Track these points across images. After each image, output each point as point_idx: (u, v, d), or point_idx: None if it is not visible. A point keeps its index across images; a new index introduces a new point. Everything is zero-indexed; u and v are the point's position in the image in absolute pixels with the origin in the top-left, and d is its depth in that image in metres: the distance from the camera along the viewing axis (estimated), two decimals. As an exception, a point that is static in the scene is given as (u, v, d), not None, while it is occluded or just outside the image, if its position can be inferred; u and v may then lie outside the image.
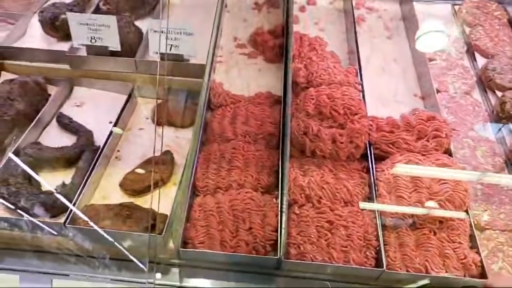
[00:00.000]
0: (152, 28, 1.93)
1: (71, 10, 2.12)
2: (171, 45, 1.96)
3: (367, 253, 1.45)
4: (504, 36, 2.14)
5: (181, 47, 1.95)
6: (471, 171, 1.69)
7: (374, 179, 1.59)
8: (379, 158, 1.67)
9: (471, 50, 2.15)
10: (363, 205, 1.53)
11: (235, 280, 1.45)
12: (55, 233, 1.48)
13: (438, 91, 1.98)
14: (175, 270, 1.47)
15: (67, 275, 1.38)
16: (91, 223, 1.46)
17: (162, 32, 1.93)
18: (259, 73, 2.09)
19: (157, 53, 1.97)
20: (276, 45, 2.11)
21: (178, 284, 1.40)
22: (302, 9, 2.40)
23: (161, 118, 1.93)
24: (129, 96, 1.96)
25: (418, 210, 1.48)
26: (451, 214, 1.45)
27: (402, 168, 1.53)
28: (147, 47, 2.01)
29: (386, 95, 2.00)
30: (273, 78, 2.04)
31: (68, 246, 1.48)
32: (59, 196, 1.54)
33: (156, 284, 1.34)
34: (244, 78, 2.06)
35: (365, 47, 2.21)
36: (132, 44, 2.07)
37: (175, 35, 1.92)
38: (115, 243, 1.40)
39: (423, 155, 1.60)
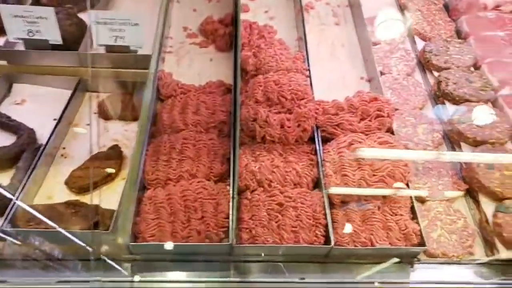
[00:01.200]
0: (95, 19, 1.87)
1: (5, 2, 2.00)
2: (116, 36, 1.91)
3: (317, 231, 1.50)
4: (440, 20, 2.26)
5: (127, 38, 1.89)
6: (413, 147, 1.79)
7: (321, 160, 1.65)
8: (327, 140, 1.73)
9: (411, 34, 2.25)
10: (334, 189, 1.57)
11: (188, 270, 1.45)
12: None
13: (382, 74, 2.06)
14: (127, 265, 1.46)
15: (4, 281, 1.31)
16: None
17: (106, 23, 1.88)
18: (210, 63, 2.08)
19: (102, 45, 1.92)
20: (227, 33, 2.11)
21: (129, 279, 1.38)
22: (251, -3, 2.41)
23: (109, 112, 1.89)
24: (74, 91, 1.89)
25: (387, 191, 1.53)
26: (393, 189, 1.53)
27: (346, 148, 1.59)
28: (91, 40, 1.94)
29: (335, 80, 2.06)
30: (225, 66, 2.04)
31: (8, 251, 1.42)
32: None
33: (105, 281, 1.32)
34: (195, 67, 2.05)
35: (314, 33, 2.26)
36: (75, 37, 1.99)
37: (120, 26, 1.87)
38: (57, 242, 1.37)
39: (366, 134, 1.67)
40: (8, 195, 1.47)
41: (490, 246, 1.57)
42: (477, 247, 1.59)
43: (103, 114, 1.88)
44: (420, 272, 1.52)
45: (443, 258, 1.52)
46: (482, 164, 1.69)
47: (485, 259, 1.56)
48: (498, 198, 1.64)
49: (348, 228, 1.51)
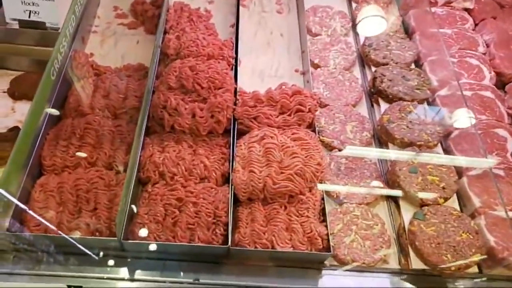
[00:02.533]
0: (7, -9, 1.71)
1: None
2: (30, 11, 1.75)
3: (216, 230, 1.37)
4: (387, 13, 2.12)
5: (42, 14, 1.74)
6: (338, 146, 1.66)
7: (233, 154, 1.52)
8: (244, 133, 1.59)
9: (356, 26, 2.12)
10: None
11: (74, 264, 1.33)
12: None
13: (318, 66, 1.92)
14: (8, 256, 1.33)
15: None
16: None
17: (18, -5, 1.72)
18: (136, 45, 1.93)
19: (14, 19, 1.77)
20: (156, 15, 1.95)
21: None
22: (192, -21, 2.24)
23: (19, 91, 1.73)
24: (-17, 66, 1.74)
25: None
26: (301, 189, 1.41)
27: (257, 143, 1.46)
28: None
29: (268, 70, 1.92)
30: (151, 50, 1.86)
31: None
32: None
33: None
34: (120, 49, 1.90)
35: (253, 20, 2.11)
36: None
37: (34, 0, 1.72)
38: None
39: (283, 129, 1.54)
40: None
41: (404, 255, 1.46)
42: (392, 255, 1.47)
43: (13, 94, 1.72)
44: (328, 279, 1.40)
45: (353, 265, 1.41)
46: (405, 167, 1.57)
47: (397, 268, 1.46)
48: (418, 204, 1.53)
49: (250, 227, 1.39)
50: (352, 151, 1.61)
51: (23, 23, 1.74)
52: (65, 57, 1.67)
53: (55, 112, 1.59)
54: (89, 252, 1.33)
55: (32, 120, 1.42)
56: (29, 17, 1.73)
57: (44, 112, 1.50)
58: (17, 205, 1.33)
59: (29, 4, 1.71)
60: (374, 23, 2.04)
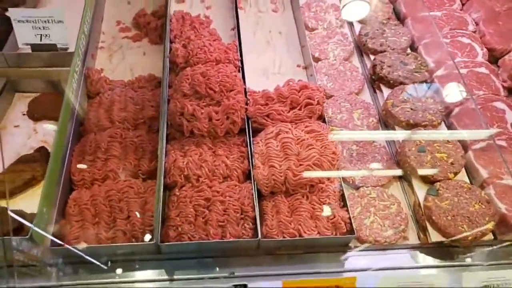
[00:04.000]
0: (16, 17, 1.71)
1: None
2: (41, 34, 1.76)
3: (245, 224, 1.41)
4: (377, 1, 2.14)
5: (53, 36, 1.75)
6: (346, 132, 1.70)
7: (251, 151, 1.55)
8: (258, 131, 1.62)
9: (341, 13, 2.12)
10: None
11: (115, 271, 1.36)
12: None
13: (319, 60, 1.95)
14: (51, 270, 1.35)
15: None
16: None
17: (29, 21, 1.72)
18: (143, 57, 1.94)
19: (27, 44, 1.77)
20: (159, 26, 1.97)
21: (49, 284, 1.28)
22: (188, -13, 2.25)
23: (38, 112, 1.74)
24: (1, 92, 1.74)
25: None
26: (321, 178, 1.45)
27: (273, 139, 1.49)
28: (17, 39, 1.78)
29: (271, 68, 1.95)
30: (158, 60, 1.89)
31: None
32: None
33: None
34: (128, 62, 1.91)
35: (251, 21, 2.13)
36: (0, 37, 1.83)
37: (44, 23, 1.72)
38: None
39: (296, 123, 1.57)
40: None
41: (422, 230, 1.50)
42: (410, 232, 1.52)
43: (33, 115, 1.74)
44: (353, 260, 1.44)
45: (376, 244, 1.46)
46: (414, 148, 1.61)
47: (417, 243, 1.50)
48: (429, 181, 1.57)
49: (276, 219, 1.42)
50: (363, 135, 1.64)
51: (35, 47, 1.75)
52: (80, 75, 1.68)
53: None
54: (127, 258, 1.37)
55: (60, 139, 1.45)
56: (41, 40, 1.74)
57: (68, 131, 1.53)
58: (56, 221, 1.36)
59: (40, 28, 1.71)
60: (358, 7, 2.05)
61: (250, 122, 1.63)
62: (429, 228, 1.47)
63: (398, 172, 1.62)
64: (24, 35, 1.75)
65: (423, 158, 1.58)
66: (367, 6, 1.94)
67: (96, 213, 1.40)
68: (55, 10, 1.73)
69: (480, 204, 1.46)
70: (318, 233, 1.39)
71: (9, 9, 1.73)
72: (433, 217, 1.45)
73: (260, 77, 1.89)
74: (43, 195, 1.35)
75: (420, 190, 1.56)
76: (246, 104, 1.64)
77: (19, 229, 1.36)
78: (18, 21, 1.72)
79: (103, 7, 2.08)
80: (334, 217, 1.41)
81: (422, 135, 1.63)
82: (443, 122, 1.73)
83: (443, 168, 1.55)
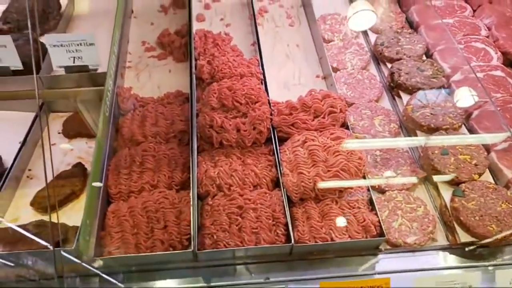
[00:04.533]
0: (51, 42, 1.80)
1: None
2: (74, 57, 1.85)
3: (277, 230, 1.44)
4: (390, 12, 2.21)
5: (85, 58, 1.83)
6: (371, 139, 1.74)
7: (279, 160, 1.59)
8: (284, 140, 1.67)
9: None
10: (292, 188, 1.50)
11: (155, 280, 1.40)
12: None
13: (337, 70, 2.01)
14: (95, 280, 1.40)
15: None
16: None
17: (62, 45, 1.81)
18: (169, 74, 2.02)
19: (61, 66, 1.86)
20: (183, 44, 2.05)
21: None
22: (207, 6, 2.34)
23: (72, 130, 1.82)
24: (38, 113, 1.83)
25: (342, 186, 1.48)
26: (348, 182, 1.48)
27: (300, 147, 1.54)
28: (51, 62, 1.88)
29: (291, 80, 2.01)
30: (183, 76, 1.97)
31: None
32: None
33: (70, 298, 1.27)
34: (155, 80, 1.99)
35: (269, 36, 2.21)
36: (36, 61, 1.93)
37: (76, 46, 1.81)
38: (23, 264, 1.31)
39: (320, 131, 1.62)
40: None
41: (450, 231, 1.52)
42: (438, 233, 1.54)
43: (68, 133, 1.82)
44: (384, 262, 1.46)
45: (406, 246, 1.48)
46: (437, 151, 1.64)
47: (446, 244, 1.51)
48: (454, 183, 1.59)
49: (307, 225, 1.45)
50: (387, 143, 1.67)
51: (68, 69, 1.83)
52: (112, 94, 1.76)
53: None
54: (165, 267, 1.41)
55: (98, 155, 1.51)
56: (74, 62, 1.83)
57: (104, 146, 1.60)
58: (98, 233, 1.42)
59: (73, 51, 1.80)
60: (380, 22, 2.13)
61: (275, 132, 1.68)
62: (458, 228, 1.48)
63: (423, 175, 1.64)
64: (58, 58, 1.84)
65: (447, 161, 1.61)
66: (373, 15, 2.00)
67: (135, 224, 1.45)
68: (87, 35, 1.82)
69: (507, 203, 1.48)
70: (349, 236, 1.42)
71: (45, 35, 1.83)
72: (461, 218, 1.46)
73: (282, 89, 1.95)
74: (86, 208, 1.41)
75: (446, 192, 1.58)
76: (271, 114, 1.70)
77: (63, 241, 1.42)
78: (53, 45, 1.81)
79: (128, 29, 2.17)
80: (364, 220, 1.44)
81: (445, 140, 1.66)
82: (463, 125, 1.77)
83: (468, 170, 1.57)
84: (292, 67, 2.06)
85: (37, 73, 1.88)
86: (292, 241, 1.39)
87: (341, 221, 1.44)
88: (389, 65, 1.97)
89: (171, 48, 2.07)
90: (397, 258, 1.48)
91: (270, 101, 1.76)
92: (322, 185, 1.46)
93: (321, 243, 1.41)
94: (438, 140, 1.64)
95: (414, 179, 1.63)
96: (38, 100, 1.82)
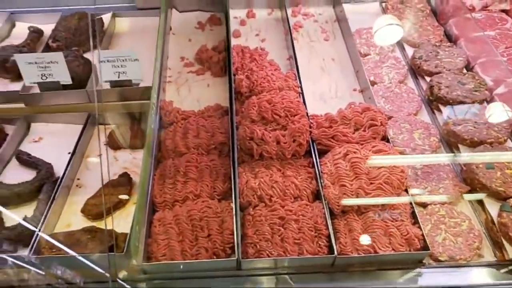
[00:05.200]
0: (99, 59, 1.98)
1: (20, 52, 2.15)
2: (119, 72, 2.01)
3: (319, 242, 1.51)
4: (428, 25, 2.28)
5: (129, 73, 2.00)
6: (411, 153, 1.79)
7: (319, 172, 1.67)
8: (323, 152, 1.75)
9: (400, 42, 2.27)
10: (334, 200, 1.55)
11: (199, 286, 1.49)
12: (22, 264, 1.50)
13: (374, 83, 2.08)
14: (142, 285, 1.50)
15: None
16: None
17: (109, 61, 1.99)
18: (207, 88, 2.15)
19: (107, 81, 2.03)
20: (221, 60, 2.19)
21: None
22: (242, 22, 2.49)
23: (117, 142, 1.97)
24: (85, 125, 2.00)
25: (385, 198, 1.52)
26: (391, 196, 1.53)
27: (341, 159, 1.61)
28: (97, 77, 2.05)
29: (328, 93, 2.10)
30: (221, 91, 2.11)
31: (34, 277, 1.49)
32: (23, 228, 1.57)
33: (122, 300, 1.37)
34: (194, 94, 2.13)
35: (305, 50, 2.32)
36: (82, 76, 2.11)
37: (121, 62, 1.97)
38: (77, 268, 1.43)
39: (361, 144, 1.68)
40: (32, 227, 1.57)
41: (498, 247, 1.53)
42: (485, 249, 1.56)
43: (113, 145, 1.97)
44: (428, 277, 1.49)
45: (451, 261, 1.50)
46: (481, 165, 1.67)
47: (493, 260, 1.53)
48: (501, 198, 1.61)
49: (350, 237, 1.51)
50: (433, 159, 1.72)
51: (113, 83, 2.00)
52: (156, 107, 1.91)
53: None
54: (208, 274, 1.49)
55: (146, 166, 1.64)
56: (118, 77, 1.99)
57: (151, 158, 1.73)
58: (145, 240, 1.53)
59: (118, 66, 1.97)
60: (418, 36, 2.20)
61: (314, 144, 1.76)
62: (506, 245, 1.50)
63: (466, 189, 1.67)
64: (105, 73, 2.02)
65: (493, 175, 1.63)
66: (400, 30, 2.07)
67: (180, 232, 1.55)
68: (131, 51, 1.98)
69: (558, 218, 1.49)
70: (393, 249, 1.47)
71: (93, 52, 2.01)
72: (510, 234, 1.48)
73: (318, 102, 2.04)
74: (135, 215, 1.53)
75: (491, 207, 1.60)
76: (310, 127, 1.78)
77: (111, 248, 1.53)
78: (101, 61, 1.99)
79: (167, 45, 2.34)
80: (408, 233, 1.48)
81: (491, 155, 1.68)
82: (509, 139, 1.79)
83: (515, 184, 1.60)
84: (328, 81, 2.15)
85: (85, 87, 2.08)
86: (335, 253, 1.45)
87: (384, 234, 1.49)
88: (427, 79, 2.03)
89: (209, 63, 2.21)
90: (441, 273, 1.50)
91: (309, 114, 1.85)
92: (364, 197, 1.52)
93: (364, 255, 1.46)
94: (486, 157, 1.67)
95: (457, 193, 1.66)
96: (89, 113, 2.01)
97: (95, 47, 2.33)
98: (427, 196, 1.64)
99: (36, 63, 1.94)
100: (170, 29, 2.47)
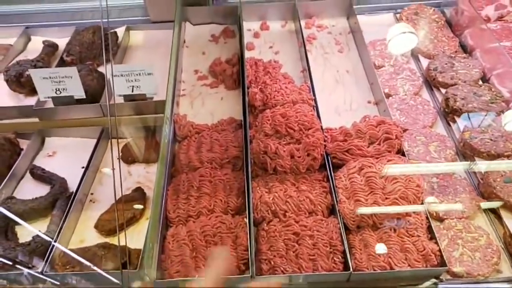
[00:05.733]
0: (113, 73, 2.06)
1: (35, 66, 2.24)
2: (133, 86, 2.09)
3: (335, 258, 1.54)
4: (443, 37, 2.32)
5: (143, 87, 2.07)
6: (429, 164, 1.82)
7: (334, 186, 1.71)
8: (338, 166, 1.79)
9: (415, 54, 2.32)
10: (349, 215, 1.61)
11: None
12: (36, 280, 1.56)
13: (389, 95, 2.12)
14: (155, 302, 1.55)
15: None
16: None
17: (123, 75, 2.07)
18: (221, 101, 2.22)
19: (121, 95, 2.11)
20: (234, 73, 2.25)
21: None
22: (256, 35, 2.56)
23: (130, 156, 2.04)
24: (99, 139, 2.07)
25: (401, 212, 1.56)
26: (407, 209, 1.56)
27: (356, 173, 1.65)
28: (111, 91, 2.14)
29: (342, 105, 2.14)
30: (235, 104, 2.17)
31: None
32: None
33: (136, 317, 1.42)
34: (208, 107, 2.19)
35: (319, 62, 2.37)
36: (96, 90, 2.19)
37: (135, 76, 2.05)
38: (91, 283, 1.49)
39: (376, 158, 1.72)
40: (47, 241, 1.63)
41: (517, 262, 1.55)
42: (503, 264, 1.57)
43: (126, 159, 2.03)
44: (445, 293, 1.52)
45: (468, 277, 1.52)
46: (499, 178, 1.69)
47: (512, 276, 1.54)
48: (519, 211, 1.63)
49: (365, 252, 1.54)
50: (445, 167, 1.76)
51: (127, 97, 2.08)
52: (170, 121, 1.97)
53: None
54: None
55: (159, 181, 1.70)
56: (132, 91, 2.07)
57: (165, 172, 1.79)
58: (159, 256, 1.58)
59: (132, 81, 2.05)
60: (433, 47, 2.24)
61: (329, 158, 1.80)
62: (526, 260, 1.52)
63: (486, 203, 1.69)
64: (119, 87, 2.10)
65: (510, 189, 1.65)
66: (414, 38, 2.11)
67: (193, 248, 1.60)
68: (146, 65, 2.06)
69: None
70: (409, 265, 1.49)
71: (107, 66, 2.09)
72: (529, 249, 1.50)
73: (333, 115, 2.08)
74: (149, 231, 1.58)
75: (510, 221, 1.62)
76: (324, 141, 1.83)
77: (125, 264, 1.59)
78: (115, 75, 2.08)
79: (181, 58, 2.42)
80: (424, 249, 1.51)
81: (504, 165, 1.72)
82: (527, 152, 1.81)
83: (534, 199, 1.61)
84: (343, 93, 2.20)
85: (99, 101, 2.16)
86: (351, 269, 1.48)
87: (400, 249, 1.52)
88: (443, 91, 2.06)
89: (222, 76, 2.28)
90: (459, 289, 1.53)
91: (323, 127, 1.90)
92: (381, 212, 1.55)
93: (380, 271, 1.49)
94: (502, 165, 1.70)
95: (474, 207, 1.68)
96: (109, 126, 2.08)
97: (108, 61, 2.44)
98: (444, 209, 1.67)
99: (50, 77, 2.02)
100: (184, 42, 2.55)
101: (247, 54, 2.39)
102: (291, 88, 2.00)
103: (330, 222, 1.62)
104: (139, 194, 1.84)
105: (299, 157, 1.75)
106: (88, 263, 1.57)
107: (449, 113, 1.98)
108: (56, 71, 2.03)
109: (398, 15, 2.53)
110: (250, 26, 2.61)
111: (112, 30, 2.56)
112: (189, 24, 2.63)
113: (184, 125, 2.00)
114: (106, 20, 1.95)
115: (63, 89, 2.07)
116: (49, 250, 1.59)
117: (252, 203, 1.70)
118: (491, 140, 1.80)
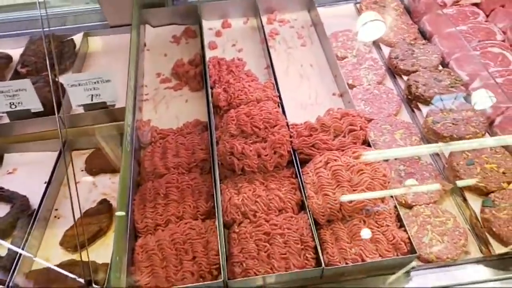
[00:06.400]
0: (69, 82, 1.98)
1: (-10, 80, 2.14)
2: (92, 95, 2.01)
3: (306, 254, 1.53)
4: (402, 24, 2.33)
5: (102, 95, 2.00)
6: (389, 149, 1.83)
7: (302, 182, 1.69)
8: (306, 162, 1.77)
9: (377, 42, 2.32)
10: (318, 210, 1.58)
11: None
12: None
13: (353, 86, 2.12)
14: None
15: None
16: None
17: (80, 84, 1.99)
18: (186, 104, 2.16)
19: (80, 105, 2.03)
20: (197, 73, 2.20)
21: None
22: (218, 34, 2.51)
23: (95, 167, 1.97)
24: (60, 152, 1.98)
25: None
26: (375, 201, 1.57)
27: (323, 168, 1.64)
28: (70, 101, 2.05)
29: (307, 100, 2.13)
30: (200, 105, 2.12)
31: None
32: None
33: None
34: (172, 111, 2.13)
35: (282, 58, 2.34)
36: (56, 101, 2.10)
37: (94, 84, 1.97)
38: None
39: (342, 150, 1.72)
40: (7, 264, 1.54)
41: (484, 243, 1.58)
42: (471, 246, 1.60)
43: (90, 170, 1.96)
44: (418, 279, 1.52)
45: (439, 261, 1.54)
46: (462, 161, 1.71)
47: (480, 256, 1.57)
48: (483, 193, 1.66)
49: (337, 246, 1.54)
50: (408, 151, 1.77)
51: (87, 107, 2.00)
52: (132, 128, 1.91)
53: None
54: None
55: (123, 191, 1.64)
56: (92, 100, 1.99)
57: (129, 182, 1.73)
58: (128, 268, 1.52)
59: (90, 89, 1.97)
60: (394, 35, 2.25)
61: (296, 154, 1.79)
62: (491, 240, 1.54)
63: (449, 187, 1.72)
64: (77, 97, 2.01)
65: (473, 171, 1.68)
66: (383, 25, 2.13)
67: (164, 257, 1.55)
68: (103, 73, 1.98)
69: (541, 211, 1.53)
70: (380, 255, 1.49)
71: (63, 75, 2.01)
72: (494, 229, 1.52)
73: (299, 110, 2.06)
74: (115, 244, 1.52)
75: (475, 203, 1.65)
76: (290, 137, 1.81)
77: (94, 280, 1.53)
78: (71, 85, 1.99)
79: (142, 62, 2.35)
80: (394, 238, 1.51)
81: (465, 145, 1.75)
82: (487, 133, 1.84)
83: (495, 179, 1.64)
84: (308, 87, 2.18)
85: (58, 113, 2.07)
86: (323, 265, 1.47)
87: (370, 240, 1.52)
88: (405, 78, 2.07)
89: (186, 78, 2.22)
90: (430, 274, 1.54)
91: (289, 124, 1.88)
92: (348, 205, 1.55)
93: (352, 264, 1.48)
94: (463, 145, 1.72)
95: (440, 192, 1.70)
96: (61, 139, 1.99)
97: (65, 70, 2.35)
98: (411, 196, 1.68)
99: (2, 92, 1.93)
100: (145, 45, 2.47)
101: (210, 54, 2.34)
102: (254, 86, 1.97)
103: (300, 218, 1.60)
104: (104, 206, 1.77)
105: (266, 155, 1.72)
106: (52, 284, 1.51)
107: (412, 100, 2.00)
108: (9, 84, 1.93)
109: (358, 5, 2.53)
110: (211, 24, 2.56)
111: (68, 38, 2.47)
112: (148, 27, 2.56)
113: (148, 131, 1.94)
114: (47, 28, 1.86)
115: (18, 103, 1.97)
116: (9, 275, 1.50)
117: (222, 206, 1.67)
118: (452, 124, 1.83)
